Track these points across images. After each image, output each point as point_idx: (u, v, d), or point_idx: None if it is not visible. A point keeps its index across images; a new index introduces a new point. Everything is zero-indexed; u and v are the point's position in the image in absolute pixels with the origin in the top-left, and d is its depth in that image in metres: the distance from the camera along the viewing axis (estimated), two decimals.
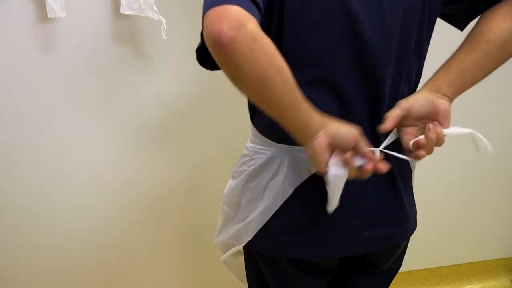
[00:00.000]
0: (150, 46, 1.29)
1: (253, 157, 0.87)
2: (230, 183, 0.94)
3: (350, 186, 0.77)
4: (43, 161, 1.32)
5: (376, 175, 0.77)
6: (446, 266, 1.88)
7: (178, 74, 1.35)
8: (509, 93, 1.69)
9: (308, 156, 0.74)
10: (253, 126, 0.89)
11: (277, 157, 0.84)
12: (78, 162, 1.35)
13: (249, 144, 0.90)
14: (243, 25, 0.59)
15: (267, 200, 0.86)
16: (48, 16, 1.13)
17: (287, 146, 0.83)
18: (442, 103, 0.80)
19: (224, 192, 0.96)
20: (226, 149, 1.44)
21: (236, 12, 0.60)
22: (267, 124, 0.84)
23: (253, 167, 0.87)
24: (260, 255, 0.93)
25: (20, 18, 1.18)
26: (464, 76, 0.80)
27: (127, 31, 1.26)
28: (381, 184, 0.84)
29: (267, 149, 0.85)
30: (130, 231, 1.47)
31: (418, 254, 1.78)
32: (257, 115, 0.87)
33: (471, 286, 1.91)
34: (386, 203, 0.85)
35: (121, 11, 1.18)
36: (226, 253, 0.98)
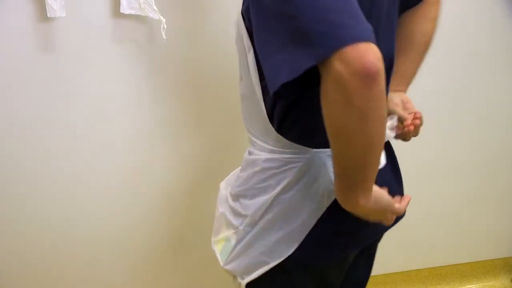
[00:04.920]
0: (150, 46, 1.29)
1: (284, 168, 0.84)
2: (246, 203, 0.88)
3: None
4: (42, 162, 1.32)
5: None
6: (446, 265, 1.88)
7: (178, 74, 1.35)
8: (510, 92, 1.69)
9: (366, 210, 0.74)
10: (278, 136, 0.84)
11: (316, 161, 0.83)
12: (77, 162, 1.35)
13: (270, 155, 0.85)
14: (380, 59, 0.61)
15: (310, 206, 0.83)
16: (48, 15, 1.13)
17: (325, 150, 0.82)
18: (400, 95, 0.98)
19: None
20: (227, 149, 1.44)
21: (376, 48, 0.61)
22: (305, 130, 0.82)
23: (288, 178, 0.83)
24: (308, 268, 0.88)
25: (20, 17, 1.18)
26: (407, 74, 0.99)
27: (127, 30, 1.26)
28: (389, 165, 0.89)
29: (301, 156, 0.83)
30: (130, 232, 1.47)
31: (417, 253, 1.78)
32: (289, 123, 0.83)
33: (471, 285, 1.91)
34: (396, 183, 0.89)
35: (121, 11, 1.18)
36: (251, 275, 0.89)
